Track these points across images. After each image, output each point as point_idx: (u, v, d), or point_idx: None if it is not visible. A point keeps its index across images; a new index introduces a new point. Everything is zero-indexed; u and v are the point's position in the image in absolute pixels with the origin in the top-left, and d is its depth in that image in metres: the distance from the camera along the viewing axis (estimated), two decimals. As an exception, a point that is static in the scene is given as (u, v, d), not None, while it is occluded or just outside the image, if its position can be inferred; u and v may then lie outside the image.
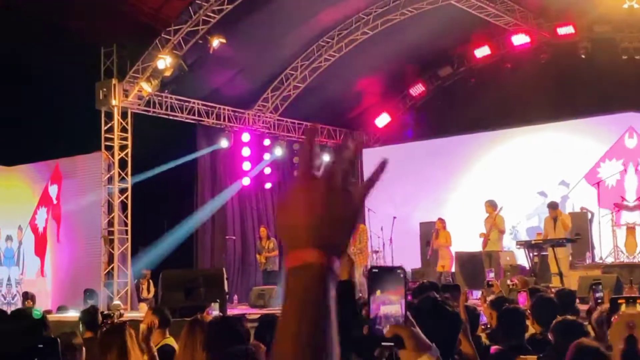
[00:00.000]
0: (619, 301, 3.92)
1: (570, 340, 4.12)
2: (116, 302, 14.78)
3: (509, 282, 13.17)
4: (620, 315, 3.48)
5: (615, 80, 16.97)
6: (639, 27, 16.60)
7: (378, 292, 2.02)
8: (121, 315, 9.66)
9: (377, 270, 2.06)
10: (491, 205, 15.14)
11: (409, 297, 2.38)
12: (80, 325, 7.54)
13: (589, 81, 17.43)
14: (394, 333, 2.01)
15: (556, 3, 16.45)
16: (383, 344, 2.05)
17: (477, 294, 12.36)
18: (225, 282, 12.44)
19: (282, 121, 19.35)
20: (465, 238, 16.19)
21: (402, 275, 2.04)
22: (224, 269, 12.94)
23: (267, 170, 19.38)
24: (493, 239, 14.91)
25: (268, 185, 19.44)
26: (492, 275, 11.88)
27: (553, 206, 14.41)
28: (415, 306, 3.15)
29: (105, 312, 9.74)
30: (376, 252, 18.26)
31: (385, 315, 2.02)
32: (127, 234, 15.92)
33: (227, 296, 13.59)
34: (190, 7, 14.89)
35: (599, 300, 6.25)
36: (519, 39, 18.23)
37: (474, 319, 5.82)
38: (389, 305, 2.02)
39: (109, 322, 7.27)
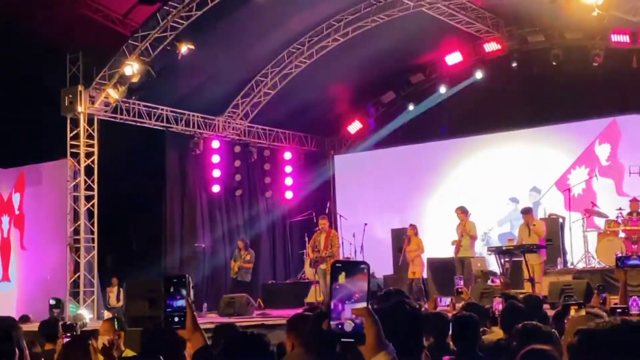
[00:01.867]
0: (572, 307, 4.30)
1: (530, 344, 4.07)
2: (80, 311, 14.56)
3: (490, 282, 13.14)
4: (570, 318, 3.77)
5: (587, 87, 17.06)
6: (607, 34, 16.66)
7: (341, 278, 2.03)
8: (84, 325, 9.48)
9: (340, 265, 2.07)
10: (462, 212, 15.10)
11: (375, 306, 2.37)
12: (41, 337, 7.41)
13: (560, 88, 17.50)
14: (359, 315, 2.02)
15: (527, 10, 16.42)
16: (343, 340, 2.03)
17: (448, 300, 12.33)
18: (191, 290, 12.23)
19: (253, 128, 19.19)
20: (438, 245, 16.14)
21: (365, 270, 2.04)
22: (188, 276, 12.68)
23: (238, 177, 19.19)
24: (465, 245, 14.88)
25: (238, 192, 19.25)
26: (461, 282, 11.82)
27: (526, 211, 14.41)
28: (378, 308, 3.12)
29: (68, 322, 9.57)
30: (348, 258, 18.15)
31: (348, 307, 2.02)
32: (93, 242, 15.67)
33: (193, 304, 13.36)
34: (158, 14, 14.70)
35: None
36: (490, 46, 18.22)
37: (444, 326, 5.72)
38: (352, 302, 2.03)
39: (69, 333, 7.12)
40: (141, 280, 12.96)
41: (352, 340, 2.03)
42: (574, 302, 4.97)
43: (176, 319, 2.95)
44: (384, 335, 2.07)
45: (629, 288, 5.62)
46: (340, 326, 2.02)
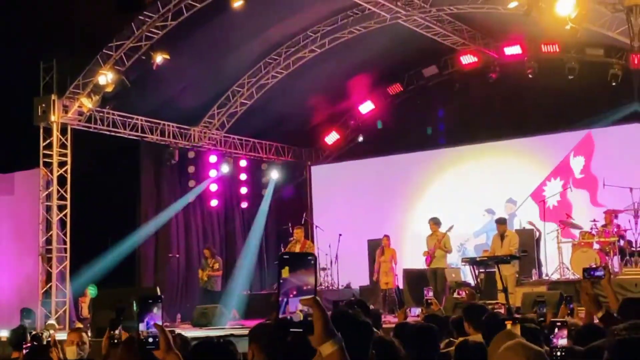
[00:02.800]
0: (506, 322, 4.39)
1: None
2: (51, 321, 14.42)
3: (456, 294, 13.16)
4: (499, 334, 3.82)
5: (562, 100, 17.17)
6: (583, 48, 16.78)
7: (285, 272, 2.09)
8: (50, 335, 9.39)
9: (286, 257, 2.14)
10: (435, 223, 15.17)
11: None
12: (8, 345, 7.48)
13: (536, 100, 17.60)
14: (307, 305, 2.10)
15: (503, 23, 16.50)
16: (292, 330, 2.10)
17: (418, 311, 12.32)
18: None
19: (229, 138, 19.13)
20: (415, 255, 16.15)
21: (312, 262, 2.13)
22: (157, 288, 12.61)
23: (213, 187, 19.10)
24: (438, 256, 14.99)
25: (214, 203, 19.17)
26: (430, 293, 11.84)
27: (501, 222, 14.54)
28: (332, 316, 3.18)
29: (34, 332, 9.48)
30: (324, 269, 18.13)
31: (293, 301, 2.09)
32: (65, 252, 15.53)
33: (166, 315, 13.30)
34: (132, 23, 14.63)
35: (541, 318, 6.30)
36: (467, 59, 18.28)
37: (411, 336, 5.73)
38: (299, 293, 2.10)
39: (35, 343, 7.13)
40: (108, 291, 12.89)
41: (301, 330, 2.10)
42: (508, 318, 4.97)
43: (150, 340, 2.91)
44: (331, 325, 2.16)
45: (600, 299, 5.66)
46: (290, 317, 2.09)
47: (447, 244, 15.04)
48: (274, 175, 20.46)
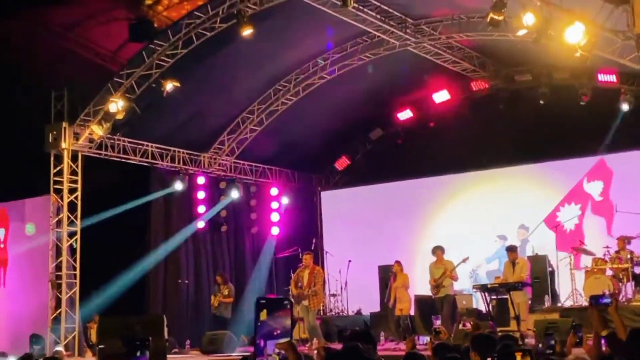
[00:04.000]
0: (515, 353, 4.43)
1: None
2: (58, 348, 14.42)
3: (461, 326, 13.07)
4: None
5: (574, 126, 17.09)
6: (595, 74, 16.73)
7: (263, 315, 2.24)
8: (60, 360, 9.42)
9: (263, 301, 2.30)
10: (442, 252, 15.13)
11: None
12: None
13: (547, 126, 17.52)
14: (282, 349, 2.23)
15: (514, 50, 16.48)
16: None
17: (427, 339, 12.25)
18: (165, 328, 12.09)
19: (239, 164, 19.17)
20: (425, 281, 16.01)
21: (288, 306, 2.29)
22: (164, 316, 12.56)
23: (223, 213, 19.10)
24: (446, 285, 14.89)
25: (224, 228, 19.16)
26: (438, 322, 11.77)
27: (511, 249, 14.54)
28: (339, 353, 3.22)
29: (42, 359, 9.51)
30: (334, 295, 18.07)
31: (270, 344, 2.22)
32: (75, 278, 15.55)
33: (167, 343, 13.24)
34: (143, 52, 14.74)
35: (549, 351, 6.28)
36: (477, 85, 18.27)
37: None
38: (275, 337, 2.22)
39: None
40: (114, 318, 12.85)
41: None
42: (518, 349, 4.95)
43: None
44: None
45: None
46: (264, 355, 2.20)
47: (454, 272, 14.99)
48: (284, 201, 20.44)
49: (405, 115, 19.55)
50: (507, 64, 17.79)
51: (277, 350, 2.16)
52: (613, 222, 16.61)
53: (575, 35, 12.55)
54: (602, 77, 16.62)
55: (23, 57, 14.54)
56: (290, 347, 2.17)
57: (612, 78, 16.57)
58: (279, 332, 2.19)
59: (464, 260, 14.97)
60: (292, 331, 2.17)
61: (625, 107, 16.55)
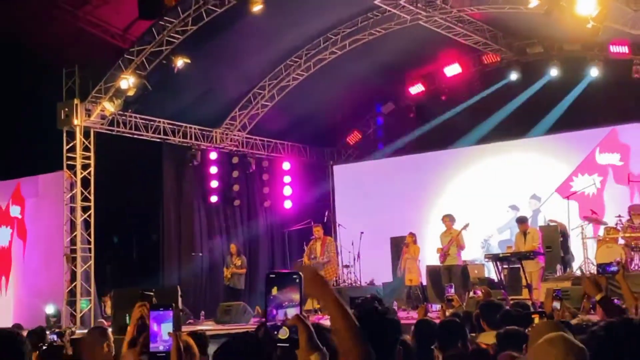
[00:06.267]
0: (532, 315, 4.66)
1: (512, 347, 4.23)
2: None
3: (472, 294, 13.15)
4: (533, 327, 4.00)
5: (586, 98, 17.11)
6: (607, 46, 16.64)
7: (274, 291, 2.27)
8: (73, 333, 9.55)
9: (273, 276, 2.30)
10: (450, 220, 15.19)
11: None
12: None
13: (559, 99, 17.48)
14: (293, 324, 2.25)
15: (525, 22, 16.40)
16: (279, 344, 2.25)
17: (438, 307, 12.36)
18: (180, 299, 12.25)
19: (251, 139, 19.24)
20: (436, 252, 16.10)
21: (297, 280, 2.27)
22: (178, 287, 12.71)
23: (236, 188, 19.21)
24: (452, 254, 14.98)
25: (237, 203, 19.29)
26: (452, 290, 11.86)
27: (521, 220, 14.52)
28: (357, 315, 3.30)
29: (58, 329, 9.62)
30: (347, 266, 18.20)
31: (283, 315, 2.26)
32: (90, 252, 15.74)
33: (182, 313, 13.42)
34: (153, 28, 14.76)
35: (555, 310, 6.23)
36: (489, 58, 18.22)
37: (431, 333, 5.70)
38: (286, 308, 2.26)
39: (54, 342, 7.24)
40: (128, 290, 13.02)
41: (287, 345, 2.25)
42: (536, 311, 5.03)
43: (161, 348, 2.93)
44: (316, 338, 2.30)
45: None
46: (276, 332, 2.25)
47: (462, 240, 15.05)
48: (297, 175, 20.52)
49: (417, 89, 19.56)
50: (518, 37, 17.71)
51: (288, 323, 2.25)
52: (635, 191, 16.60)
53: (587, 7, 12.50)
54: (614, 49, 16.54)
55: (34, 35, 14.58)
56: (299, 320, 2.24)
57: (625, 49, 16.48)
58: (287, 304, 2.27)
59: (465, 227, 15.04)
60: (303, 304, 2.28)
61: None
